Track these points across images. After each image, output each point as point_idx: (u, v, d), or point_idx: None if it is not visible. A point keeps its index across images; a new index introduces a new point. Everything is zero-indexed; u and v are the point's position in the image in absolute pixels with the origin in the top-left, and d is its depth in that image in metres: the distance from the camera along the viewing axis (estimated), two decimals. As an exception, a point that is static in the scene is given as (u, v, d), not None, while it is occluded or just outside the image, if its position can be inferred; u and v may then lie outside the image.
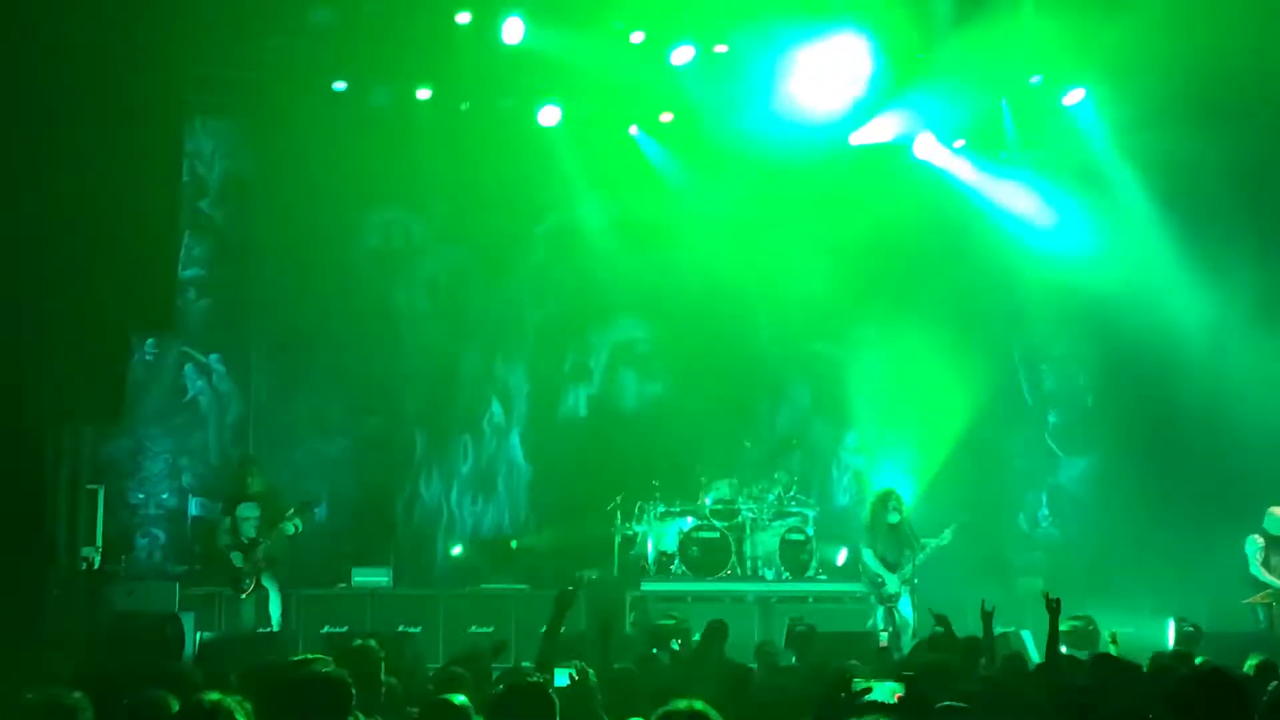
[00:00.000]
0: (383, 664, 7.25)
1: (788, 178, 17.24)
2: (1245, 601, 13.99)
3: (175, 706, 5.48)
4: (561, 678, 6.92)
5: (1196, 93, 14.75)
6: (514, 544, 16.58)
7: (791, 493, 16.09)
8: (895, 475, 17.23)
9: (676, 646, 11.18)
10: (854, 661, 8.98)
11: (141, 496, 16.07)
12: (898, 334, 17.70)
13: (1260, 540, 14.23)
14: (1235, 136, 15.43)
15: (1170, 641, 12.34)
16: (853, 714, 3.95)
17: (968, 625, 11.49)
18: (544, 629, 8.32)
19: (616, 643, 11.33)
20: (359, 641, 7.44)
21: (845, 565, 15.72)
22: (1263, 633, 13.13)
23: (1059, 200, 17.53)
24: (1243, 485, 15.14)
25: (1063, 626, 10.57)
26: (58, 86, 11.62)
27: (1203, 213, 16.23)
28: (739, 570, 15.51)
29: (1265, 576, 14.18)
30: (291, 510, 13.54)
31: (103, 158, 11.65)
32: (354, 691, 5.26)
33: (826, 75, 16.08)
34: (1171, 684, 4.84)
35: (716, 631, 10.66)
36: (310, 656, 6.79)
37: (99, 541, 13.71)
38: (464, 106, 16.46)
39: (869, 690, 3.86)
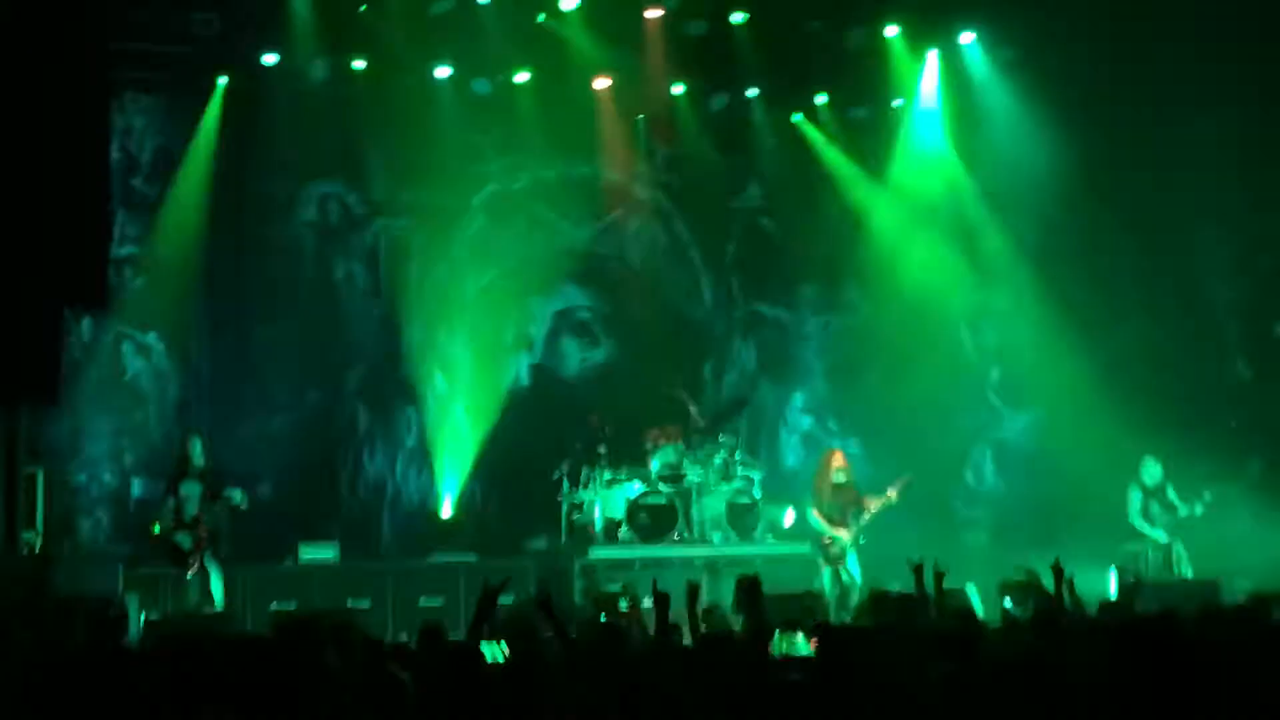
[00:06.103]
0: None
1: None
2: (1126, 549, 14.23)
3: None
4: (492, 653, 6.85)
5: None
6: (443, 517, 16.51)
7: (738, 455, 16.09)
8: (841, 434, 17.37)
9: (625, 607, 11.16)
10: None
11: (84, 478, 15.89)
12: (839, 292, 17.89)
13: (1140, 490, 14.42)
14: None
15: (1112, 591, 12.50)
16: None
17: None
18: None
19: (563, 612, 11.35)
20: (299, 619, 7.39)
21: (793, 526, 15.76)
22: (1204, 582, 13.27)
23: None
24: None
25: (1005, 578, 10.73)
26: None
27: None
28: (687, 535, 15.48)
29: (1144, 526, 14.36)
30: (234, 484, 13.52)
31: (25, 134, 11.44)
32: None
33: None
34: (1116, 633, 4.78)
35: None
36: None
37: (39, 525, 13.53)
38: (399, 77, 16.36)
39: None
